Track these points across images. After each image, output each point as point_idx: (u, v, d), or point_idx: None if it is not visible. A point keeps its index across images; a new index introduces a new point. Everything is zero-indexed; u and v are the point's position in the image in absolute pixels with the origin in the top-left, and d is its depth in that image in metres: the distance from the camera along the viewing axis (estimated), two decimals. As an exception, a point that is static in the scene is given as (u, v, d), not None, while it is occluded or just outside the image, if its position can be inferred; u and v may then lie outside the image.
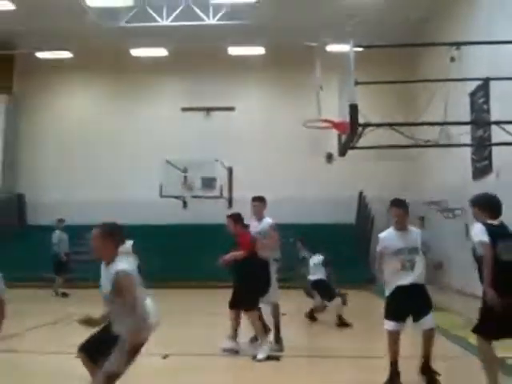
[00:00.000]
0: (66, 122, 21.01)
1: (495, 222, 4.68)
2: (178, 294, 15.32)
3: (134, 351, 3.78)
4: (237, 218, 7.11)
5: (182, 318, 9.32)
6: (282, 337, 7.02)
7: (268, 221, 7.13)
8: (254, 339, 7.01)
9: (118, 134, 20.55)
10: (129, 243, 8.79)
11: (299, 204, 19.17)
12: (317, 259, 9.42)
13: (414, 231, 5.52)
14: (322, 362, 6.43)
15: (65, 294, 14.19)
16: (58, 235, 14.58)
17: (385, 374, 5.29)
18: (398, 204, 5.50)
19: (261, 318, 6.97)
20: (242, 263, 6.76)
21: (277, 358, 6.40)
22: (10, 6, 15.86)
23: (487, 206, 4.82)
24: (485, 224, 4.61)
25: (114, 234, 3.96)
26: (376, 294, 14.59)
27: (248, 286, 6.65)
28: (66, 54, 19.75)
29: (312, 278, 9.27)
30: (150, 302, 3.99)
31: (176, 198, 16.20)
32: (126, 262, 3.84)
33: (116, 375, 3.78)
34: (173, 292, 15.71)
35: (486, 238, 4.48)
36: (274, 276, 7.02)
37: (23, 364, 6.21)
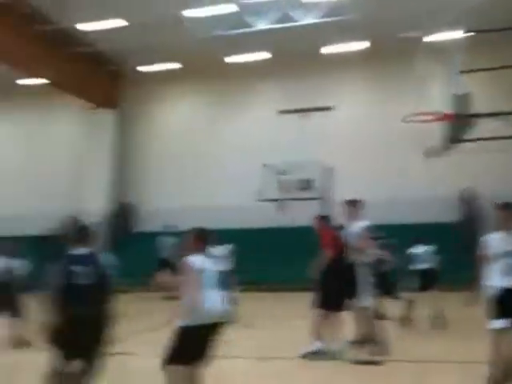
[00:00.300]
0: (168, 132, 21.78)
1: None
2: (277, 297, 15.24)
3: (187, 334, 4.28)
4: (323, 219, 7.28)
5: (283, 321, 9.16)
6: (382, 340, 6.67)
7: (361, 223, 6.98)
8: (357, 342, 6.78)
9: (219, 140, 20.95)
10: (224, 247, 8.89)
11: (400, 203, 18.37)
12: (424, 248, 9.05)
13: None
14: (423, 367, 5.99)
15: (172, 298, 14.53)
16: (166, 240, 15.01)
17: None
18: (503, 207, 5.34)
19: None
20: (327, 264, 6.75)
21: (376, 363, 6.09)
22: (123, 23, 16.62)
23: None
24: None
25: (200, 236, 4.80)
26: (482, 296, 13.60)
27: (332, 287, 6.63)
28: (170, 66, 20.44)
29: (420, 266, 8.89)
30: (217, 297, 4.44)
31: (274, 200, 16.14)
32: (199, 258, 4.56)
33: (170, 357, 4.34)
34: (271, 295, 15.69)
35: None
36: (364, 279, 6.76)
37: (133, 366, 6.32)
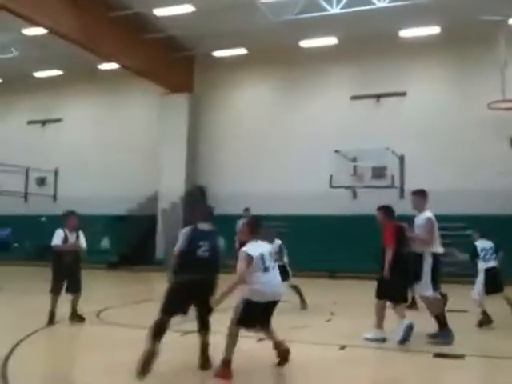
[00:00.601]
0: (241, 117, 22.03)
1: None
2: (348, 284, 15.26)
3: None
4: (386, 210, 7.16)
5: (361, 310, 9.20)
6: (448, 329, 6.62)
7: (426, 214, 6.92)
8: (432, 335, 6.72)
9: (289, 125, 20.98)
10: (276, 243, 8.95)
11: (479, 193, 17.69)
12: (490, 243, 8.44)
13: None
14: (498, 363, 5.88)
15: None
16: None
17: None
18: None
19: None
20: (391, 257, 6.70)
21: (458, 356, 5.99)
22: (191, 9, 17.05)
23: None
24: None
25: (253, 224, 5.60)
26: None
27: (393, 279, 6.63)
28: (240, 51, 20.70)
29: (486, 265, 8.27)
30: (272, 278, 5.21)
31: (346, 188, 16.08)
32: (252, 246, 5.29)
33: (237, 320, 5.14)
34: (341, 283, 15.73)
35: None
36: (428, 270, 6.72)
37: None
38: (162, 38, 19.73)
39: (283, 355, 5.36)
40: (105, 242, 20.92)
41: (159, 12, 17.65)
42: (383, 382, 5.42)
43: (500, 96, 15.00)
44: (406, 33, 18.49)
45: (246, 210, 14.86)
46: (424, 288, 6.76)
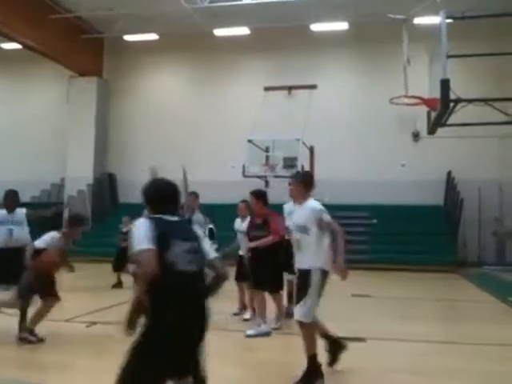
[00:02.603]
0: (152, 103, 21.61)
1: None
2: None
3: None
4: (260, 196, 7.21)
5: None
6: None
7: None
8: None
9: (203, 114, 20.87)
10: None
11: (384, 185, 18.65)
12: None
13: None
14: (408, 346, 6.25)
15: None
16: None
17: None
18: None
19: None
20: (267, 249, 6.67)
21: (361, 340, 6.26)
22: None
23: None
24: None
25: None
26: (465, 277, 14.07)
27: (269, 270, 6.64)
28: (152, 36, 20.26)
29: None
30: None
31: (259, 177, 16.25)
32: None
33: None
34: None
35: None
36: None
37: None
38: (69, 18, 18.86)
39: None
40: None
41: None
42: (282, 364, 5.55)
43: (404, 92, 15.83)
44: (316, 27, 18.95)
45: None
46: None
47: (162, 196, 3.21)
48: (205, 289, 3.04)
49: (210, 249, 3.18)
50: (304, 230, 4.55)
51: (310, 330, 4.52)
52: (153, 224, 2.97)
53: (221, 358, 5.00)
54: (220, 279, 3.14)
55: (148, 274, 2.74)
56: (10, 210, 6.90)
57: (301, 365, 4.51)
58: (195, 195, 8.25)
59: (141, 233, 2.91)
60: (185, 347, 2.89)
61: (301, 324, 4.49)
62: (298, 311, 4.50)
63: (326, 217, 4.47)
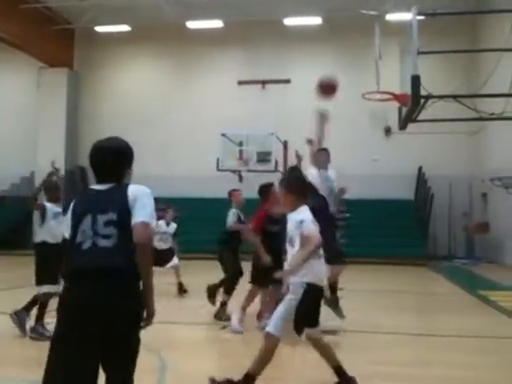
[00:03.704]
0: (124, 95, 21.38)
1: None
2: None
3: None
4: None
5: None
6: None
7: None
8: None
9: (175, 107, 20.74)
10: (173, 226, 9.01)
11: (356, 179, 18.76)
12: None
13: None
14: (379, 337, 6.34)
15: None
16: None
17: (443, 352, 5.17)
18: None
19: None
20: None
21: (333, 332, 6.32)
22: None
23: None
24: None
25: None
26: (435, 271, 14.33)
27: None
28: (123, 28, 20.02)
29: None
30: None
31: (233, 171, 16.25)
32: None
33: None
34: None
35: None
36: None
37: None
38: (39, 9, 18.51)
39: None
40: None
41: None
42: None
43: (376, 87, 15.98)
44: (289, 21, 18.98)
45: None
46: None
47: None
48: None
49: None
50: (290, 241, 4.21)
51: (270, 345, 3.99)
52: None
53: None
54: None
55: None
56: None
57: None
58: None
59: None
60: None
61: (266, 335, 4.02)
62: (270, 321, 4.13)
63: (306, 229, 4.08)
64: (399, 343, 5.96)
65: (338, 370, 4.12)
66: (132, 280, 2.52)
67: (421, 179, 18.91)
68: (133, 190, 2.68)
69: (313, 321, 4.08)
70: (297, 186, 4.30)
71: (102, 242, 2.50)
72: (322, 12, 18.27)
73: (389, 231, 17.01)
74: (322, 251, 4.18)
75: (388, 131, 19.11)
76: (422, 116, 7.72)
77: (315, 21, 18.79)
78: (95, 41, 21.06)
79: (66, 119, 20.97)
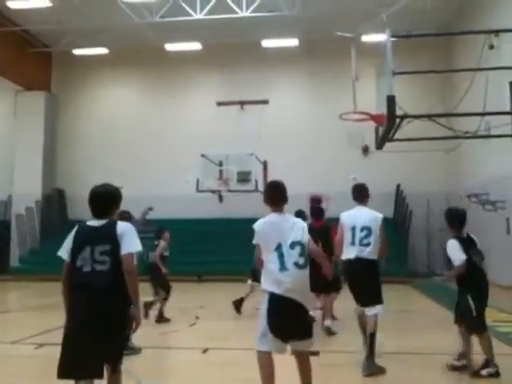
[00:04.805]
0: (102, 118, 21.35)
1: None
2: (215, 287, 15.42)
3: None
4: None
5: (225, 313, 9.30)
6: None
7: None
8: None
9: (153, 129, 20.75)
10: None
11: (335, 198, 18.88)
12: None
13: None
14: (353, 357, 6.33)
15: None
16: None
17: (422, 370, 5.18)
18: None
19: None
20: None
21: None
22: (47, 3, 16.17)
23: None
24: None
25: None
26: (414, 287, 14.42)
27: None
28: (102, 51, 20.04)
29: None
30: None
31: (212, 192, 16.26)
32: None
33: None
34: (209, 286, 15.85)
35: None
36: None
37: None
38: (16, 32, 18.48)
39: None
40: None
41: (13, 4, 16.55)
42: (243, 381, 5.54)
43: (353, 107, 16.20)
44: (267, 43, 19.23)
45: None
46: None
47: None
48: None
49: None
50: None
51: (260, 361, 3.96)
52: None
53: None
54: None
55: None
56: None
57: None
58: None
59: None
60: None
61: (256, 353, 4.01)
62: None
63: (255, 240, 4.14)
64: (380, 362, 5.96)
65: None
66: (120, 294, 3.39)
67: (399, 197, 19.12)
68: (120, 226, 3.54)
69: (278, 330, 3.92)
70: (265, 192, 4.43)
71: (99, 267, 3.39)
72: (298, 34, 18.55)
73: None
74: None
75: (366, 150, 19.35)
76: (398, 135, 7.84)
77: (292, 42, 19.06)
78: (73, 63, 21.04)
79: (44, 142, 20.80)
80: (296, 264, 3.96)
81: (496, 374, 5.13)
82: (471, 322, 5.25)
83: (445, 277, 5.75)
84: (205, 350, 6.42)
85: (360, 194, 6.25)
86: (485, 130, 10.73)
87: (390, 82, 7.12)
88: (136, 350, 5.93)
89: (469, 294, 5.28)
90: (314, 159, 19.54)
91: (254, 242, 4.12)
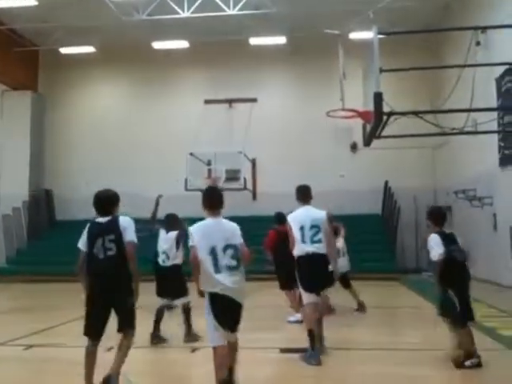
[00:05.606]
0: (90, 117, 21.22)
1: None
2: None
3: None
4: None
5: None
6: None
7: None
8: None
9: (142, 127, 20.66)
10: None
11: (324, 195, 18.91)
12: None
13: None
14: (347, 353, 6.36)
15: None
16: None
17: (413, 366, 5.22)
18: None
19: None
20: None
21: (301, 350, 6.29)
22: (33, 2, 16.03)
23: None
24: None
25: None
26: (403, 284, 14.49)
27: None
28: (88, 49, 19.89)
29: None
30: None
31: (201, 191, 16.20)
32: None
33: None
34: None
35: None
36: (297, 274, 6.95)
37: (55, 357, 6.27)
38: (2, 30, 18.29)
39: None
40: None
41: (-2, 3, 16.39)
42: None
43: (340, 105, 16.26)
44: (255, 41, 19.20)
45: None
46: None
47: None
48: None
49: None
50: None
51: (215, 355, 4.26)
52: None
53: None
54: None
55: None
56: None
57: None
58: None
59: None
60: None
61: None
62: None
63: (190, 241, 4.38)
64: (366, 359, 6.00)
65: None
66: (125, 275, 4.52)
67: (387, 193, 19.20)
68: (121, 220, 4.64)
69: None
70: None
71: (109, 252, 4.50)
72: (286, 32, 18.54)
73: (357, 246, 17.12)
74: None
75: (354, 147, 19.42)
76: (386, 131, 7.86)
77: (280, 40, 19.05)
78: (60, 63, 20.86)
79: (31, 142, 20.62)
80: (228, 267, 4.27)
81: (478, 365, 5.18)
82: (455, 316, 5.29)
83: (433, 279, 5.82)
84: (193, 350, 6.41)
85: (304, 195, 6.52)
86: (472, 127, 10.82)
87: (377, 79, 7.13)
88: (196, 337, 6.66)
89: (450, 288, 5.35)
90: (302, 157, 19.56)
91: (189, 243, 4.40)
